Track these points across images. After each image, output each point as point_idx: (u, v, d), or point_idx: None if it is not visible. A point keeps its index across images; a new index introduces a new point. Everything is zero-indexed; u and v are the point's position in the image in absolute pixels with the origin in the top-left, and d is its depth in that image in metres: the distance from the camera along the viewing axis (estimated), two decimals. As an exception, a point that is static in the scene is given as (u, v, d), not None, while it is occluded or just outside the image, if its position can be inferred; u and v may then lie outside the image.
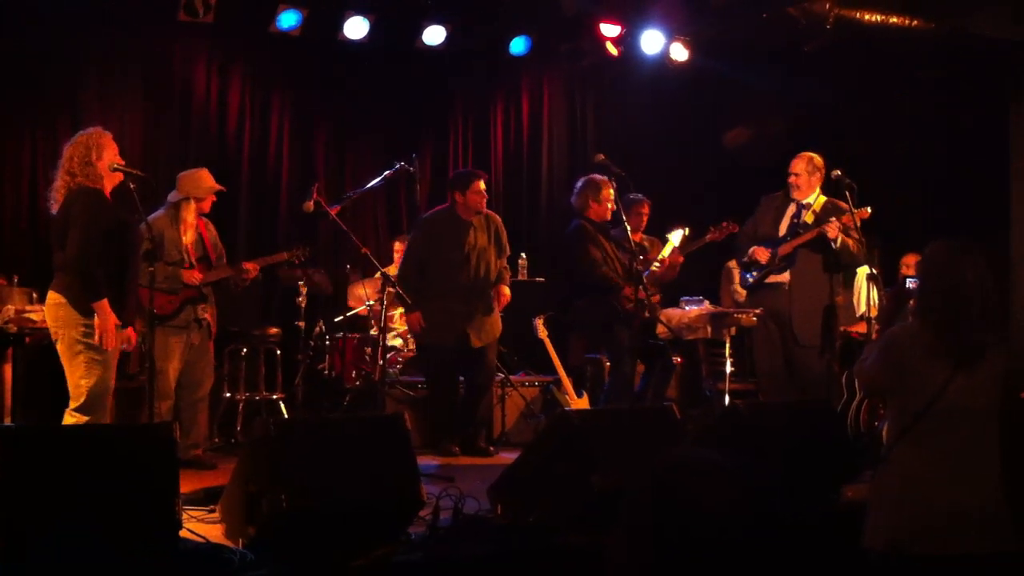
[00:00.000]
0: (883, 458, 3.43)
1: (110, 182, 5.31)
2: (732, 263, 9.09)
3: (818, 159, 6.77)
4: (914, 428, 3.29)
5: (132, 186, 5.31)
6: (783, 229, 6.77)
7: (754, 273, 6.83)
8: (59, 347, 5.15)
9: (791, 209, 6.80)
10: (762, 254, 6.72)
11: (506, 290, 7.16)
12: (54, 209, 5.23)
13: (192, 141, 8.68)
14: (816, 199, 6.76)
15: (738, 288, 8.58)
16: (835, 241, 6.53)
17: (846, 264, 6.79)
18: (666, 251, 7.29)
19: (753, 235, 6.88)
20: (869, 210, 6.57)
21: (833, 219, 6.52)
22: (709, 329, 8.52)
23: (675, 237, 7.31)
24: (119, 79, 8.39)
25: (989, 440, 3.32)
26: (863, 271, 6.97)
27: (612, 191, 6.99)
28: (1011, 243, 8.74)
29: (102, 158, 5.22)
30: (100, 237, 5.12)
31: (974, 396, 3.27)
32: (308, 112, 9.28)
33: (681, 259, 7.36)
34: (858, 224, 6.50)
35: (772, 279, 6.75)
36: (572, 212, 7.28)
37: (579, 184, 7.22)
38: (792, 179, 6.76)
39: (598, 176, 7.05)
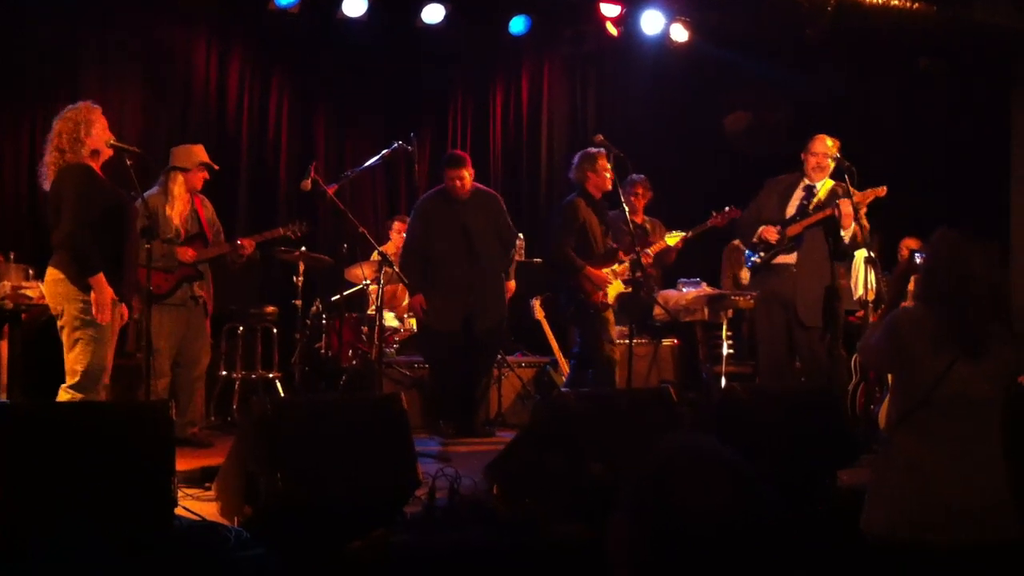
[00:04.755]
0: (884, 443, 3.42)
1: (100, 157, 5.29)
2: (737, 242, 9.07)
3: (836, 142, 6.68)
4: (915, 414, 3.28)
5: (128, 162, 5.30)
6: (791, 210, 6.67)
7: (760, 254, 6.72)
8: (59, 323, 5.15)
9: (799, 191, 6.71)
10: (771, 233, 6.61)
11: (510, 284, 7.21)
12: (45, 185, 5.23)
13: (191, 121, 8.65)
14: (824, 183, 6.67)
15: (744, 272, 8.54)
16: (844, 222, 6.40)
17: (852, 247, 6.67)
18: (657, 246, 7.21)
19: (756, 219, 6.78)
20: (884, 189, 6.51)
21: (845, 199, 6.42)
22: (706, 311, 8.51)
23: (671, 238, 7.22)
24: (118, 60, 8.34)
25: (992, 429, 3.31)
26: (861, 254, 6.93)
27: (608, 161, 6.90)
28: (1011, 231, 8.75)
29: (91, 134, 5.20)
30: (93, 213, 5.11)
31: (977, 385, 3.25)
32: (307, 91, 9.24)
33: (669, 252, 7.33)
34: (860, 205, 6.44)
35: (778, 260, 6.65)
36: (571, 187, 7.18)
37: (576, 159, 7.09)
38: (818, 160, 6.62)
39: (592, 148, 6.96)
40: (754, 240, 6.75)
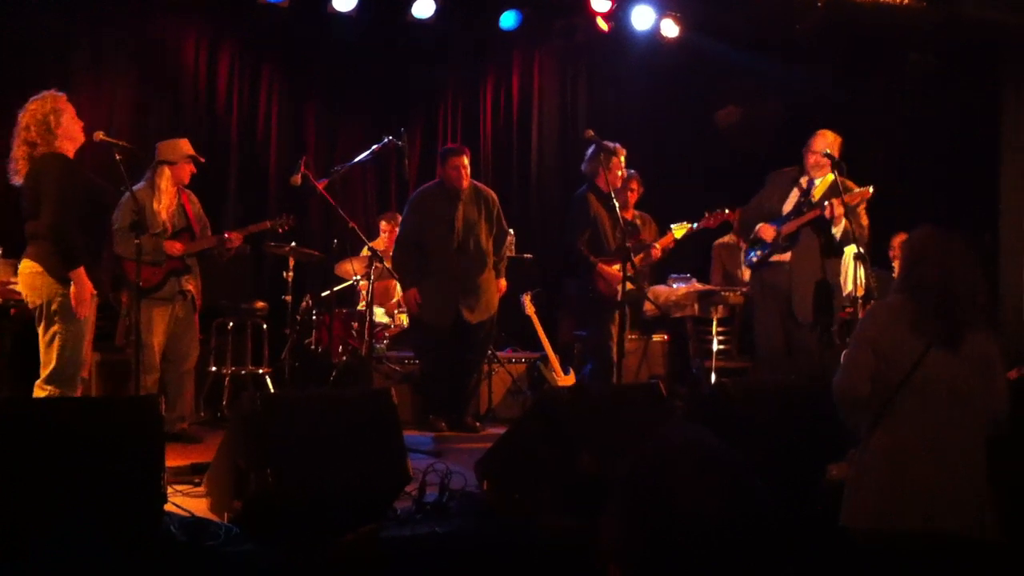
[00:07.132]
0: (863, 436, 3.46)
1: (73, 145, 5.24)
2: (727, 238, 9.07)
3: (838, 139, 6.63)
4: (891, 404, 3.31)
5: (118, 157, 5.26)
6: (788, 207, 6.64)
7: (758, 252, 6.71)
8: (36, 316, 5.11)
9: (800, 187, 6.67)
10: (767, 232, 6.59)
11: (502, 282, 7.21)
12: (16, 180, 5.15)
13: (181, 115, 8.61)
14: (823, 179, 6.62)
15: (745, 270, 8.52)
16: (836, 220, 6.38)
17: (843, 244, 6.59)
18: (666, 239, 7.17)
19: (759, 211, 6.74)
20: (871, 189, 6.45)
21: (834, 199, 6.38)
22: (696, 307, 8.52)
23: (678, 230, 7.17)
24: (108, 53, 8.29)
25: (971, 420, 3.33)
26: (850, 250, 6.93)
27: (623, 159, 6.88)
28: (999, 227, 8.77)
29: (61, 123, 5.14)
30: (75, 204, 5.06)
31: (954, 371, 3.29)
32: (297, 86, 9.21)
33: (672, 244, 7.29)
34: (857, 205, 6.40)
35: (775, 258, 6.63)
36: (582, 179, 7.12)
37: (590, 150, 6.99)
38: (816, 157, 6.57)
39: (610, 143, 6.89)
40: (751, 237, 6.73)
